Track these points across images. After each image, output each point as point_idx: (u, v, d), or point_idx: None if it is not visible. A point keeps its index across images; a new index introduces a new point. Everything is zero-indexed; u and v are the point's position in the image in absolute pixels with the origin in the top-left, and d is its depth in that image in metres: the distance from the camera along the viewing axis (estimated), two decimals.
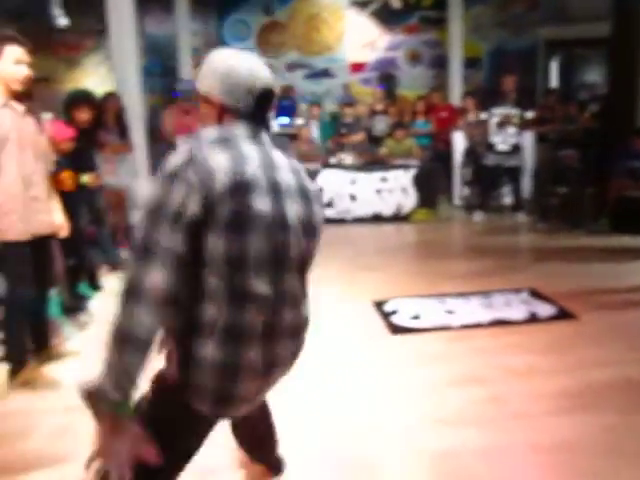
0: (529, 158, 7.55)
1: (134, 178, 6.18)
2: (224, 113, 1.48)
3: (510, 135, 6.92)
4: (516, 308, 4.13)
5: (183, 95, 7.40)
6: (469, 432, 2.61)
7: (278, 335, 1.52)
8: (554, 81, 11.40)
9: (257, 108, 1.49)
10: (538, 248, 6.02)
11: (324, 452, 2.50)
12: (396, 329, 3.84)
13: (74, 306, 4.31)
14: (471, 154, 7.67)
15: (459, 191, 8.06)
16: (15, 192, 2.99)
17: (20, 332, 3.22)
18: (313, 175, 7.01)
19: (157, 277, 1.29)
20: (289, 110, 10.15)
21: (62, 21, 10.00)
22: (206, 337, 1.39)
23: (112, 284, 4.95)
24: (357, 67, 11.65)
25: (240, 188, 1.36)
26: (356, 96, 10.90)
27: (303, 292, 1.66)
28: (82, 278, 4.63)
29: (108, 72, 10.69)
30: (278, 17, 11.51)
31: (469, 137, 7.66)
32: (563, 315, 4.00)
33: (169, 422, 1.48)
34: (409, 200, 7.18)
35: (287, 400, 2.74)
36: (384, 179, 7.13)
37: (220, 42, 11.48)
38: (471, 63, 10.82)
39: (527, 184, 7.54)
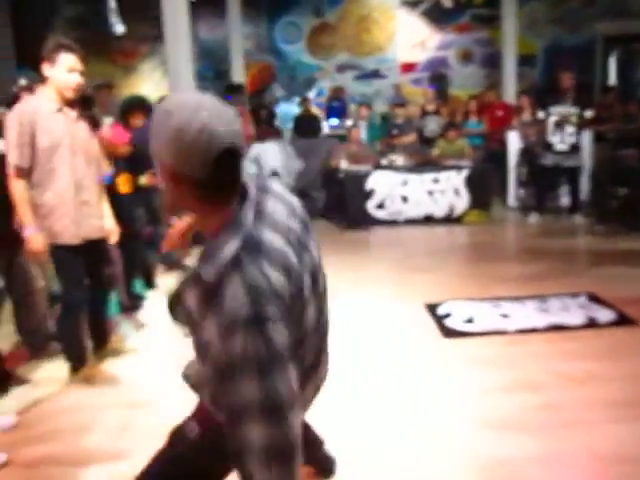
0: (587, 158, 7.32)
1: None
2: (181, 182, 1.19)
3: (569, 134, 6.72)
4: (573, 313, 4.01)
5: (234, 99, 7.53)
6: (524, 439, 2.56)
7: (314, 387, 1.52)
8: (612, 78, 11.03)
9: (220, 175, 1.17)
10: (596, 251, 5.83)
11: (373, 454, 2.49)
12: (449, 332, 3.79)
13: (131, 305, 4.44)
14: (526, 154, 7.49)
15: (513, 192, 7.88)
16: (67, 196, 3.08)
17: (76, 331, 3.32)
18: (364, 177, 7.00)
19: (287, 383, 1.16)
20: (339, 111, 10.18)
21: (119, 28, 10.32)
22: None
23: (167, 283, 5.07)
24: (408, 67, 11.58)
25: (297, 294, 1.24)
26: (407, 96, 10.83)
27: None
28: (138, 278, 4.76)
29: (162, 77, 10.98)
30: (328, 19, 11.55)
31: (524, 137, 7.48)
32: (623, 321, 3.85)
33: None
34: (462, 201, 7.06)
35: (337, 402, 2.75)
36: (436, 180, 7.04)
37: (271, 45, 11.61)
38: (525, 61, 10.59)
39: (585, 185, 7.31)
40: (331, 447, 2.29)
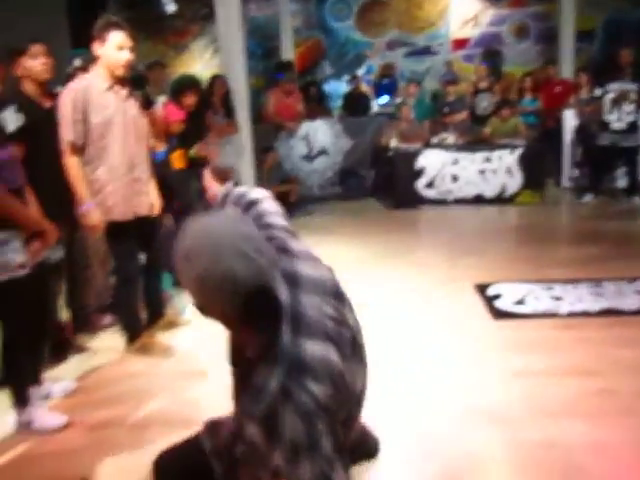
0: None
1: (238, 158, 6.39)
2: (212, 315, 1.24)
3: (626, 113, 6.46)
4: (630, 298, 3.89)
5: (285, 76, 7.54)
6: (576, 425, 2.51)
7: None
8: None
9: (251, 311, 1.20)
10: None
11: (420, 436, 2.49)
12: (499, 314, 3.75)
13: None
14: (582, 133, 7.25)
15: (568, 172, 7.66)
16: (119, 173, 3.16)
17: (131, 303, 3.44)
18: (414, 155, 6.92)
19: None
20: (389, 89, 10.04)
21: (170, 8, 10.43)
22: None
23: None
24: (460, 43, 11.31)
25: (343, 385, 1.29)
26: (459, 73, 10.59)
27: None
28: None
29: (213, 56, 11.07)
30: None
31: (580, 115, 7.24)
32: None
33: None
34: (514, 181, 6.91)
35: (384, 381, 2.76)
36: (488, 159, 6.90)
37: (320, 22, 11.52)
38: (583, 36, 10.19)
39: None
40: (377, 428, 2.31)
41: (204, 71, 7.03)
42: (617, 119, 6.49)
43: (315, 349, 1.24)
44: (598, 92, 6.60)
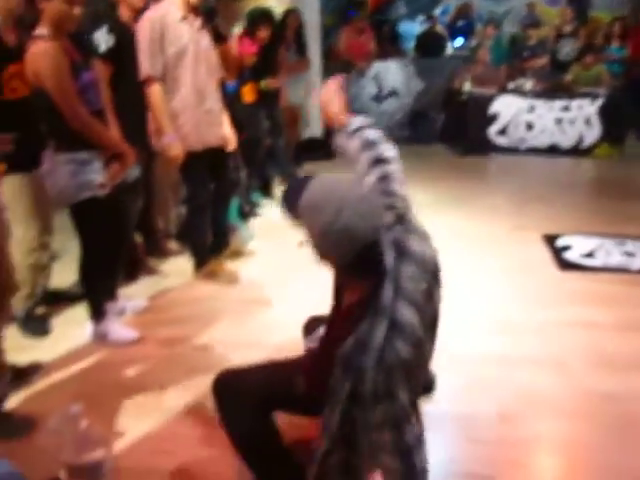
0: None
1: (308, 96, 6.34)
2: (327, 260, 1.39)
3: None
4: None
5: (357, 15, 7.33)
6: (638, 379, 2.48)
7: None
8: None
9: (359, 261, 1.34)
10: None
11: (483, 379, 2.51)
12: (566, 265, 3.66)
13: (250, 211, 4.65)
14: None
15: None
16: (190, 104, 3.18)
17: (201, 231, 3.54)
18: (488, 100, 6.68)
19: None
20: (465, 31, 9.62)
21: None
22: None
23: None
24: None
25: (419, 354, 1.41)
26: (540, 17, 10.01)
27: None
28: (255, 187, 4.94)
29: None
30: None
31: None
32: None
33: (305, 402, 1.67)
34: (592, 133, 6.58)
35: (451, 329, 2.77)
36: (566, 108, 6.58)
37: None
38: None
39: None
40: (440, 373, 2.35)
41: (277, 6, 6.91)
42: None
43: (407, 313, 1.35)
44: None
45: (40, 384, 2.50)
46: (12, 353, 2.53)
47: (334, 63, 7.26)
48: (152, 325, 3.00)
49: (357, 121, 1.71)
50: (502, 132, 6.75)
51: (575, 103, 6.57)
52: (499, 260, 3.75)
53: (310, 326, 2.05)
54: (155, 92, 3.08)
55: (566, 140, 6.67)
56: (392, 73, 7.46)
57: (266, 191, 5.10)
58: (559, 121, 6.64)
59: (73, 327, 2.94)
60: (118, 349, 2.78)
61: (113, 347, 2.79)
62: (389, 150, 1.66)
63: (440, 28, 9.37)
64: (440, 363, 2.45)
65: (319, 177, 1.41)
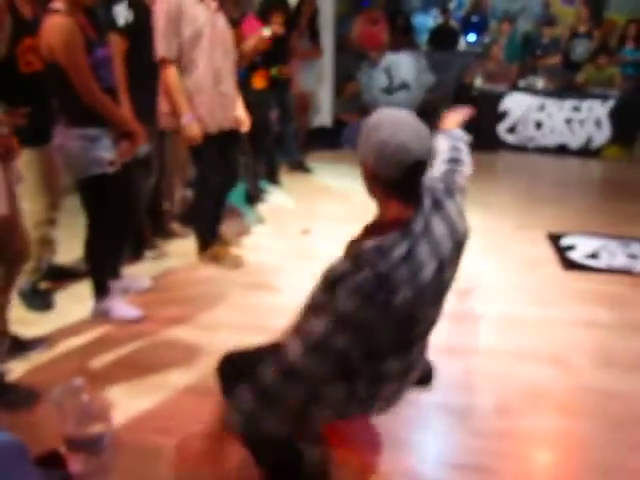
0: None
1: (318, 84, 6.32)
2: (375, 180, 1.48)
3: None
4: None
5: (371, 4, 7.29)
6: (638, 378, 2.49)
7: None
8: None
9: (407, 180, 1.45)
10: None
11: (482, 373, 2.52)
12: (570, 265, 3.66)
13: (256, 197, 4.65)
14: None
15: None
16: (205, 86, 3.17)
17: (207, 213, 3.54)
18: (499, 97, 6.65)
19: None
20: (478, 26, 9.57)
21: None
22: None
23: (290, 181, 5.24)
24: None
25: (413, 299, 1.41)
26: (556, 15, 9.95)
27: None
28: (263, 173, 4.94)
29: None
30: None
31: None
32: None
33: None
34: (602, 134, 6.56)
35: (447, 317, 2.77)
36: (577, 108, 6.55)
37: None
38: None
39: None
40: (439, 364, 2.36)
41: None
42: None
43: (424, 252, 1.42)
44: None
45: (42, 358, 2.52)
46: (16, 326, 2.55)
47: (346, 52, 7.24)
48: (155, 304, 3.01)
49: (461, 133, 2.02)
50: (511, 130, 6.72)
51: (586, 104, 6.54)
52: (503, 257, 3.75)
53: None
54: (171, 74, 3.08)
55: (575, 140, 6.65)
56: (404, 65, 7.40)
57: (273, 178, 5.09)
58: (569, 121, 6.61)
59: (77, 303, 2.95)
60: (121, 326, 2.79)
61: (116, 324, 2.81)
62: (467, 163, 1.90)
63: (454, 22, 9.32)
64: (440, 355, 2.48)
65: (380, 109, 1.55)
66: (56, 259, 3.25)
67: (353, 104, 6.70)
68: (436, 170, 1.81)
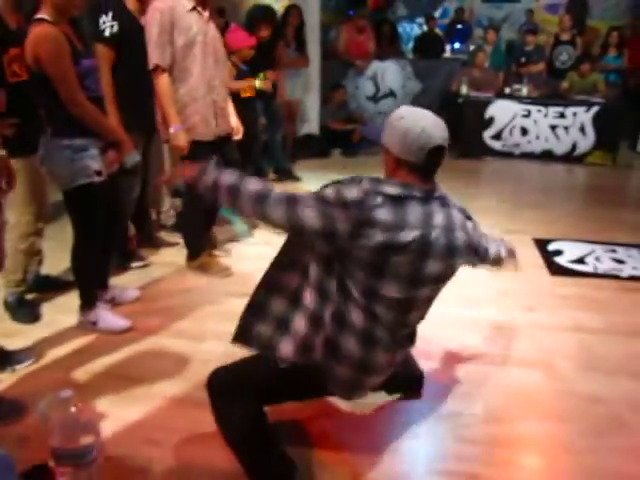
0: None
1: (306, 92, 6.35)
2: (398, 164, 1.68)
3: None
4: None
5: (358, 13, 7.34)
6: (622, 383, 2.51)
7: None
8: None
9: (427, 163, 1.65)
10: None
11: (470, 379, 2.53)
12: (557, 270, 3.69)
13: None
14: None
15: None
16: (198, 94, 3.19)
17: (197, 222, 3.53)
18: (484, 104, 6.71)
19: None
20: (462, 34, 9.66)
21: None
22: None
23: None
24: None
25: (387, 246, 1.59)
26: (540, 24, 10.07)
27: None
28: None
29: None
30: None
31: None
32: None
33: (297, 386, 1.82)
34: (586, 140, 6.64)
35: (436, 330, 2.79)
36: (561, 115, 6.62)
37: None
38: None
39: None
40: (428, 371, 2.36)
41: (277, 2, 6.90)
42: None
43: (413, 214, 1.63)
44: None
45: (29, 369, 2.49)
46: (1, 338, 2.52)
47: (332, 61, 7.28)
48: (143, 314, 2.99)
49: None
50: (497, 136, 6.79)
51: (570, 110, 6.62)
52: None
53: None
54: (163, 82, 3.09)
55: (560, 147, 6.72)
56: (390, 73, 7.48)
57: None
58: (554, 128, 6.68)
59: (64, 314, 2.93)
60: (108, 337, 2.77)
61: (103, 335, 2.79)
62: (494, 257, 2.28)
63: (439, 31, 9.41)
64: (427, 362, 2.49)
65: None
66: (42, 270, 3.23)
67: (340, 112, 6.73)
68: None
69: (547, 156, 6.72)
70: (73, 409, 1.79)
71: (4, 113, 2.54)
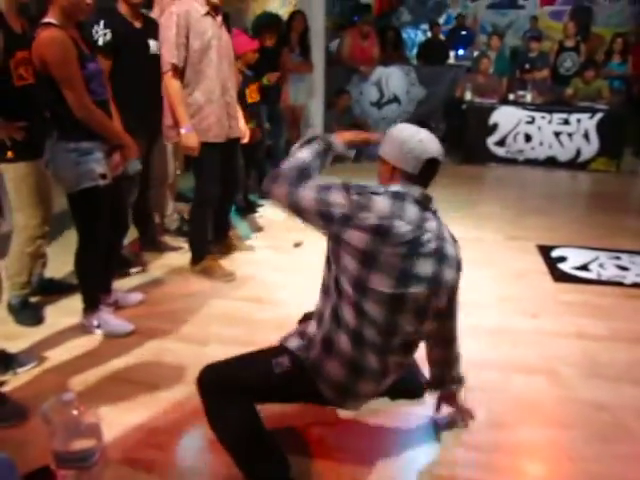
0: None
1: (310, 98, 6.36)
2: (394, 173, 1.77)
3: None
4: None
5: (362, 19, 7.35)
6: (627, 389, 2.49)
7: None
8: None
9: (421, 174, 1.74)
10: None
11: (474, 385, 2.51)
12: (560, 276, 3.68)
13: (247, 208, 4.66)
14: None
15: None
16: (214, 97, 3.25)
17: (204, 225, 3.55)
18: (488, 111, 6.71)
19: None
20: (466, 41, 9.67)
21: None
22: None
23: None
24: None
25: (381, 232, 1.64)
26: (544, 30, 10.08)
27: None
28: (254, 186, 4.95)
29: None
30: None
31: None
32: None
33: (287, 383, 1.80)
34: (590, 147, 6.63)
35: None
36: (566, 121, 6.62)
37: None
38: None
39: None
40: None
41: (281, 8, 6.92)
42: None
43: (410, 212, 1.70)
44: None
45: (31, 372, 2.50)
46: (4, 341, 2.52)
47: (336, 67, 7.29)
48: (146, 318, 2.99)
49: None
50: (500, 143, 6.78)
51: (574, 117, 6.61)
52: (494, 269, 3.76)
53: (304, 321, 2.07)
54: (174, 83, 3.15)
55: (564, 153, 6.71)
56: (394, 79, 7.49)
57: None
58: (558, 134, 6.68)
59: (67, 317, 2.93)
60: (111, 340, 2.77)
61: (106, 338, 2.79)
62: None
63: (442, 37, 9.43)
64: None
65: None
66: (46, 273, 3.24)
67: (344, 117, 6.74)
68: None
69: (551, 162, 6.71)
70: (75, 412, 1.79)
71: (11, 117, 2.56)
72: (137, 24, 3.26)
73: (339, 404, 1.93)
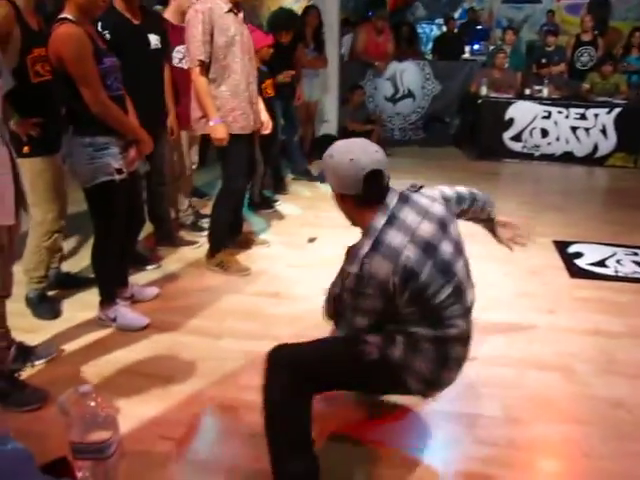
0: None
1: (324, 93, 6.35)
2: (346, 200, 1.76)
3: None
4: None
5: (377, 14, 7.31)
6: None
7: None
8: None
9: (367, 191, 1.70)
10: None
11: (490, 381, 2.51)
12: (577, 272, 3.65)
13: (261, 203, 4.67)
14: None
15: None
16: (239, 90, 3.31)
17: (227, 217, 3.59)
18: (504, 106, 6.66)
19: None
20: (481, 35, 9.60)
21: None
22: None
23: (296, 190, 5.28)
24: None
25: (402, 279, 1.66)
26: (560, 25, 9.97)
27: None
28: (269, 182, 4.95)
29: None
30: None
31: None
32: None
33: (372, 373, 1.81)
34: (607, 142, 6.55)
35: None
36: (582, 116, 6.55)
37: None
38: None
39: None
40: None
41: (295, 3, 6.91)
42: None
43: (396, 238, 1.67)
44: None
45: (48, 365, 2.53)
46: (23, 334, 2.56)
47: (351, 62, 7.27)
48: (161, 312, 3.01)
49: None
50: (516, 138, 6.72)
51: (591, 112, 6.54)
52: (509, 264, 3.73)
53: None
54: (202, 79, 3.21)
55: (580, 149, 6.64)
56: (409, 74, 7.45)
57: (279, 187, 5.11)
58: (574, 129, 6.60)
59: (83, 311, 2.96)
60: (126, 334, 2.79)
61: (121, 332, 2.81)
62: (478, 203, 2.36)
63: (457, 31, 9.36)
64: None
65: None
66: (63, 267, 3.27)
67: (358, 113, 6.72)
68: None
69: (568, 158, 6.64)
70: (92, 404, 1.81)
71: (29, 113, 2.58)
72: (135, 20, 3.25)
73: (424, 394, 1.95)
